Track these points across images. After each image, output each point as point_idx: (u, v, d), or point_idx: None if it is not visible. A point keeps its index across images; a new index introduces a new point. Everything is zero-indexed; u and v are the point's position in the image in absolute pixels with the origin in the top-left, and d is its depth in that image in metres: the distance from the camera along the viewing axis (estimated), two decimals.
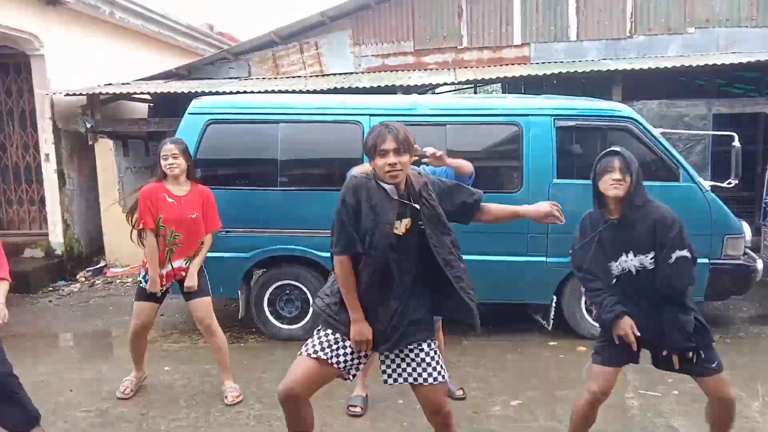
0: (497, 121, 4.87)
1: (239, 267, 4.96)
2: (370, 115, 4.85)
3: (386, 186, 2.42)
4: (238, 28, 12.21)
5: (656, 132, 4.88)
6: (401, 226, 2.42)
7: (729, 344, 4.84)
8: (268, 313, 5.10)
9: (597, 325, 4.89)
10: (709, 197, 4.75)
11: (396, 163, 2.37)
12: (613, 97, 7.08)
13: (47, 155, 7.67)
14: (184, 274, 3.81)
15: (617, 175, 2.61)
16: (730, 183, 4.91)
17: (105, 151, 7.78)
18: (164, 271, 3.79)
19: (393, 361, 2.53)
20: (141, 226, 3.76)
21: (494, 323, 5.39)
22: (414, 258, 2.48)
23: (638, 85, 7.48)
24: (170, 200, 3.74)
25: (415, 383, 2.48)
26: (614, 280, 2.73)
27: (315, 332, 2.60)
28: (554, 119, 4.76)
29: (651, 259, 2.63)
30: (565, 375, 4.27)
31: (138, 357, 4.06)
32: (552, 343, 4.86)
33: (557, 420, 3.54)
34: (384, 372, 2.55)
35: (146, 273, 3.80)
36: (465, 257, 4.46)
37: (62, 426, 3.60)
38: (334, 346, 2.50)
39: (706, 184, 4.83)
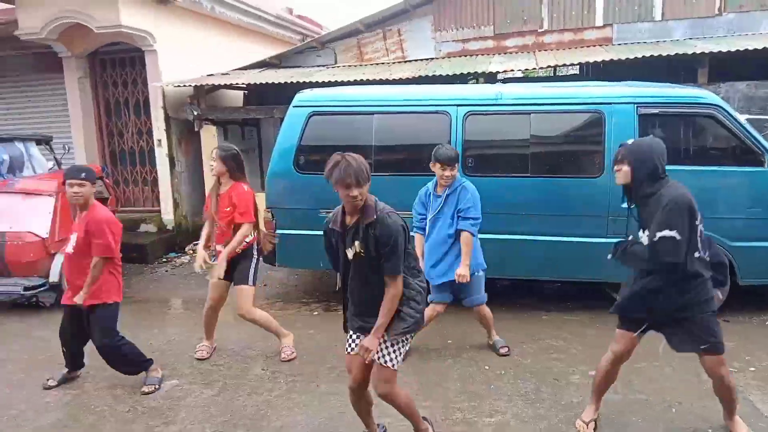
0: (580, 109, 5.10)
1: None
2: (458, 105, 5.22)
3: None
4: (315, 9, 12.78)
5: (741, 118, 4.95)
6: (350, 252, 2.83)
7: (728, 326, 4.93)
8: None
9: None
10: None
11: (357, 195, 2.71)
12: (699, 79, 7.04)
13: (159, 141, 8.54)
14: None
15: (616, 167, 3.06)
16: None
17: (209, 137, 8.56)
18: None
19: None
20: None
21: (571, 299, 5.70)
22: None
23: (726, 64, 7.35)
24: (215, 197, 4.45)
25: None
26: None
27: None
28: (637, 107, 4.94)
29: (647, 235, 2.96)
30: (641, 348, 4.50)
31: (209, 329, 4.67)
32: None
33: (634, 390, 3.85)
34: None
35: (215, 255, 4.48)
36: (548, 239, 5.00)
37: (199, 377, 4.28)
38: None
39: None
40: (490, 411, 3.62)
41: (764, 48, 6.54)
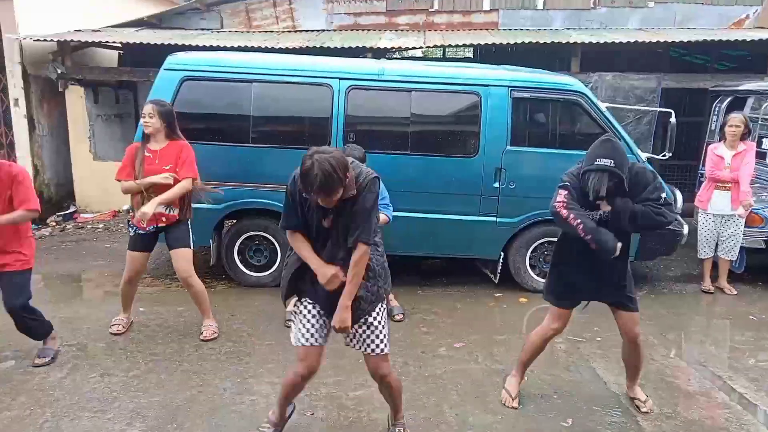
0: (459, 89, 5.18)
1: (211, 218, 5.25)
2: (340, 78, 5.12)
3: None
4: None
5: (603, 106, 5.28)
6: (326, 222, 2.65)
7: (654, 299, 5.43)
8: (237, 262, 5.45)
9: (540, 279, 5.42)
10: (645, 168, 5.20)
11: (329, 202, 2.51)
12: (572, 67, 7.46)
13: (16, 100, 7.68)
14: (164, 219, 4.10)
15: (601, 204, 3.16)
16: (665, 155, 5.38)
17: (76, 99, 7.83)
18: None
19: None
20: (118, 178, 4.10)
21: (447, 275, 5.88)
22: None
23: (598, 54, 7.85)
24: (147, 154, 4.07)
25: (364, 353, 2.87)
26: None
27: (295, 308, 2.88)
28: (511, 90, 5.11)
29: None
30: (506, 322, 4.78)
31: (126, 301, 4.41)
32: (497, 294, 5.37)
33: (495, 360, 4.04)
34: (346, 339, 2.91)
35: (131, 222, 4.17)
36: (424, 216, 5.11)
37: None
38: (313, 321, 2.81)
39: (644, 155, 5.30)
40: (355, 385, 3.63)
41: (628, 42, 7.03)
